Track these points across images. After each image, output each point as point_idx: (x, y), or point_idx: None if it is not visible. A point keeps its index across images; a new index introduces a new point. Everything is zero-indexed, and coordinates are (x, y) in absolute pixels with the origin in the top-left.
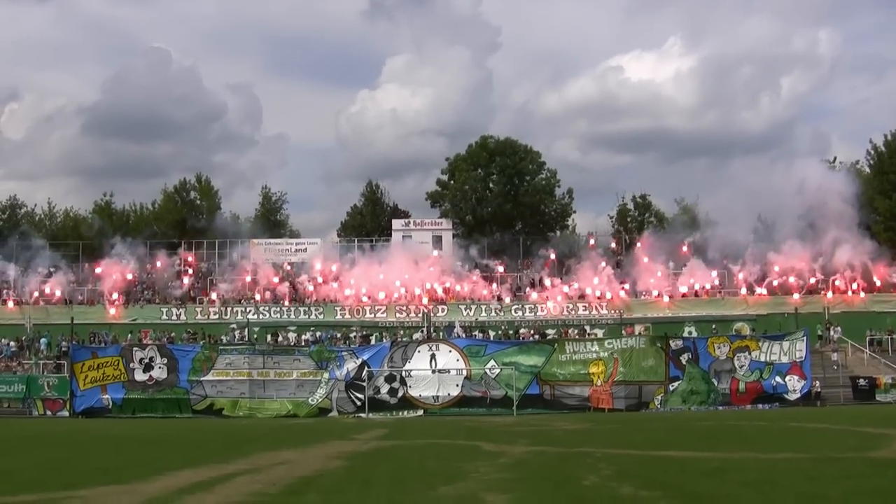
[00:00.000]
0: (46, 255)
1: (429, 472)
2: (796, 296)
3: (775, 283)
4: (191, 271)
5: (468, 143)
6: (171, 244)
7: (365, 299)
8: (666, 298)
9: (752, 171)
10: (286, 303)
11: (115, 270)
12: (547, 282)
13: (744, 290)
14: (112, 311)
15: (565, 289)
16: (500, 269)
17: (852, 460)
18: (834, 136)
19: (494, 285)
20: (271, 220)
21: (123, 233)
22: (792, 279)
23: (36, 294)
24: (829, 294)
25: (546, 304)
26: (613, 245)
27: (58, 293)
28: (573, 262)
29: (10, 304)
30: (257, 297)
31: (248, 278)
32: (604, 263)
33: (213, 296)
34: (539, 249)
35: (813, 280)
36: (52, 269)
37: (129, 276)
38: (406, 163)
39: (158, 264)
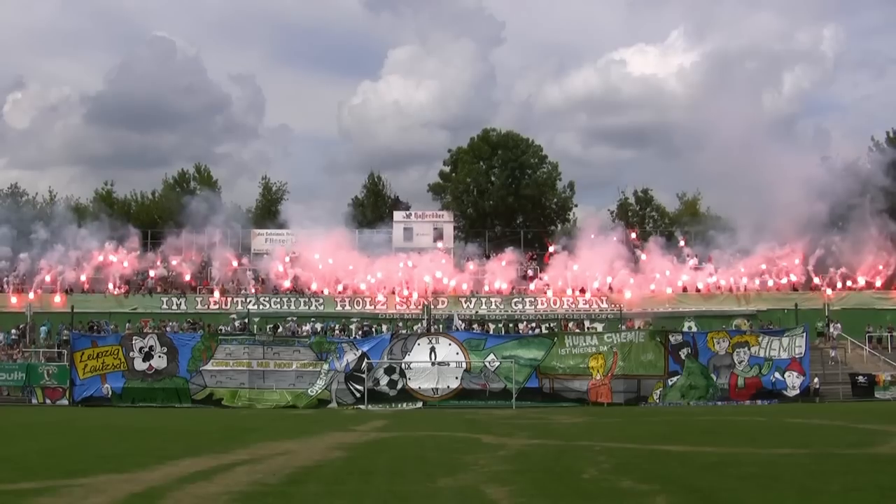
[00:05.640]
0: (48, 242)
1: (429, 464)
2: (796, 291)
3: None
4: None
5: (471, 136)
6: (173, 233)
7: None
8: (668, 291)
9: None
10: (286, 293)
11: (117, 259)
12: (546, 276)
13: (744, 285)
14: (112, 299)
15: (568, 290)
16: (503, 262)
17: (852, 456)
18: (835, 132)
19: (497, 282)
20: (272, 211)
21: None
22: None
23: (37, 282)
24: (829, 291)
25: (546, 298)
26: (614, 239)
27: (58, 281)
28: (573, 253)
29: (11, 292)
30: (251, 282)
31: (240, 264)
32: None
33: (213, 285)
34: (539, 243)
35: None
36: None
37: (126, 265)
38: (408, 155)
39: (165, 252)
